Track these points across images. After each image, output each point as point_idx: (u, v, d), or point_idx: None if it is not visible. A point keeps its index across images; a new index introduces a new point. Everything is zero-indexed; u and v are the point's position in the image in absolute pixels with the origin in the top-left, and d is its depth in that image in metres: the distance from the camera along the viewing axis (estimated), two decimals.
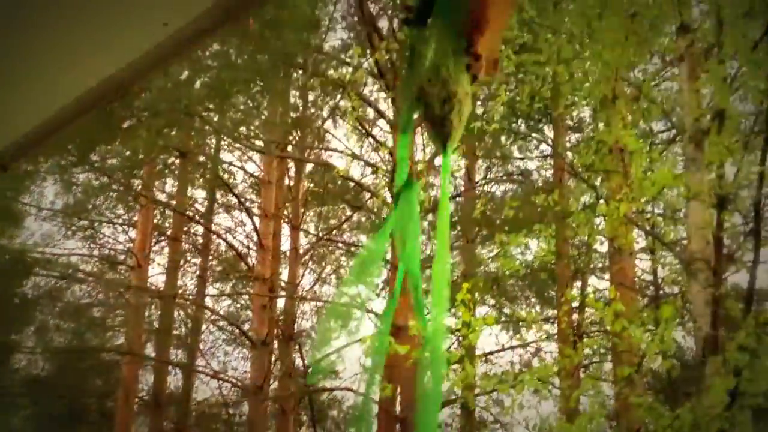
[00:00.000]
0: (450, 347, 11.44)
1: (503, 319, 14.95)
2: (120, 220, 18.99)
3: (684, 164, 8.27)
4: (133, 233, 18.23)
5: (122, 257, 18.95)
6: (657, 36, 9.20)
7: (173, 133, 15.58)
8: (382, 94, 14.67)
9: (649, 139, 10.17)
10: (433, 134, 1.53)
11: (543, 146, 14.18)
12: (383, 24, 13.42)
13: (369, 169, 16.41)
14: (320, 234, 18.61)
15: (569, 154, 12.20)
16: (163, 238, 19.04)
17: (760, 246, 7.54)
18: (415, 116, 1.56)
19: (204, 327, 19.09)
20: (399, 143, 1.76)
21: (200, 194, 19.48)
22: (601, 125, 11.57)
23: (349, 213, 18.09)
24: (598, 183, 10.17)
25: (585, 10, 9.16)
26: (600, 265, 13.46)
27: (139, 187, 17.33)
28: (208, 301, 19.20)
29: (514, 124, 13.01)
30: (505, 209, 9.82)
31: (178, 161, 17.19)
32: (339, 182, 16.58)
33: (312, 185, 18.12)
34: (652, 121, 10.02)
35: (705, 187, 7.79)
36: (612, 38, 9.11)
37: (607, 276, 13.26)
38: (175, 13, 1.66)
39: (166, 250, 18.56)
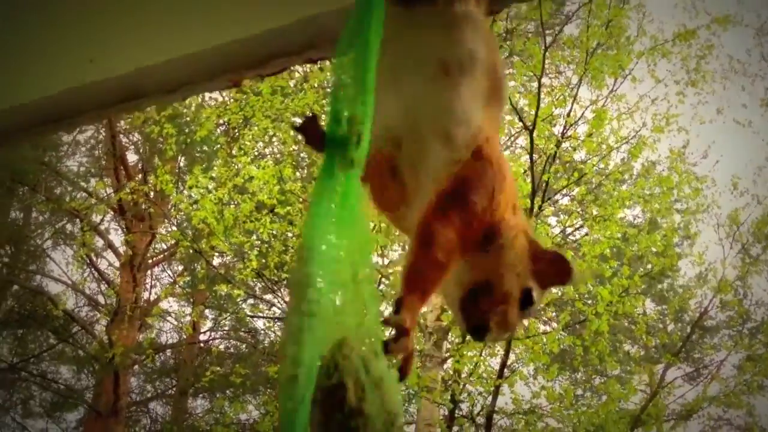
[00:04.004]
0: None
1: None
2: None
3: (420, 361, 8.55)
4: None
5: None
6: None
7: None
8: (114, 224, 13.97)
9: None
10: None
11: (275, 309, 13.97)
12: (132, 159, 12.86)
13: (84, 301, 15.46)
14: (13, 360, 16.74)
15: None
16: None
17: None
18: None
19: None
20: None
21: None
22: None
23: (53, 342, 16.54)
24: None
25: None
26: None
27: None
28: None
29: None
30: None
31: None
32: (49, 309, 15.21)
33: (15, 306, 16.42)
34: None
35: (438, 385, 8.09)
36: None
37: None
38: None
39: None
